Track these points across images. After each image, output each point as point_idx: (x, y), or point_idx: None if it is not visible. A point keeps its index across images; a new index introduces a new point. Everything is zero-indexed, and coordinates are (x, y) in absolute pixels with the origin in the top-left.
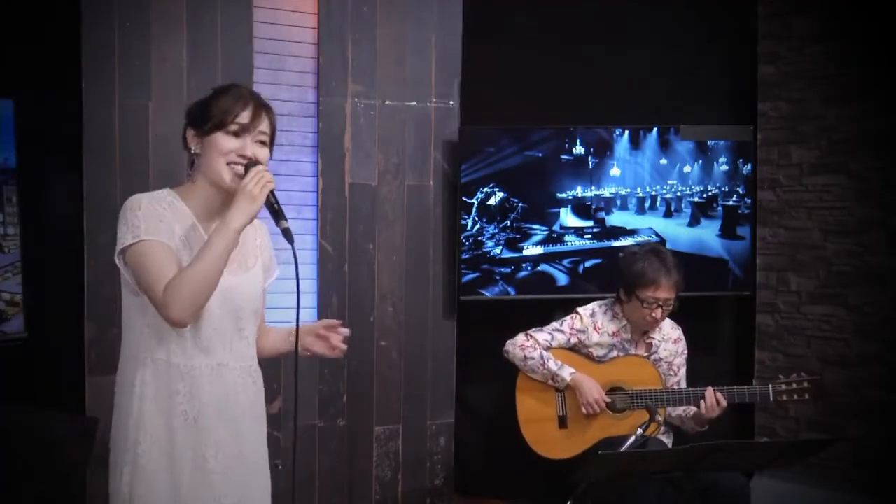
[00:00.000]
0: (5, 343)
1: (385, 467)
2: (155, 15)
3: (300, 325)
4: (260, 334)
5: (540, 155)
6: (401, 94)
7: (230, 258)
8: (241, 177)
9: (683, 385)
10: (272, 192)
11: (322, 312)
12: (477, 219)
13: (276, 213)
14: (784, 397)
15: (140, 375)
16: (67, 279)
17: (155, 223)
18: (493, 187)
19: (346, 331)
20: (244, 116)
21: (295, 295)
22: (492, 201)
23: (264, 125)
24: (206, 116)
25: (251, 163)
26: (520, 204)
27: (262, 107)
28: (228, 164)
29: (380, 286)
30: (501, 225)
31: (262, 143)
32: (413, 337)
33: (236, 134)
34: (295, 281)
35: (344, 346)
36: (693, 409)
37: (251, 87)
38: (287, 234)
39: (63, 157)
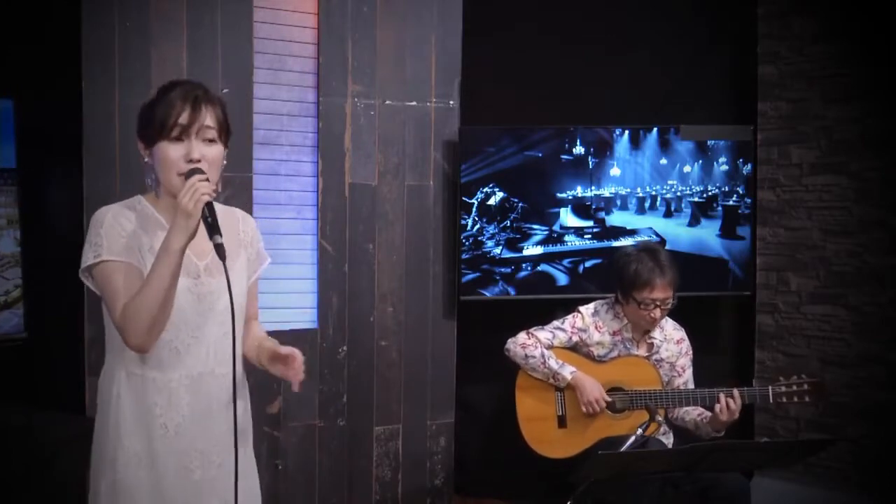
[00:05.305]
0: (5, 343)
1: (385, 467)
2: (155, 15)
3: (268, 340)
4: (245, 332)
5: (540, 155)
6: (401, 94)
7: (210, 261)
8: None
9: (691, 387)
10: (208, 204)
11: (322, 312)
12: (477, 219)
13: (210, 228)
14: (784, 399)
15: (116, 388)
16: (67, 279)
17: (116, 240)
18: (493, 187)
19: (299, 355)
20: (184, 117)
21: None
22: (492, 201)
23: (208, 119)
24: (149, 124)
25: (190, 172)
26: (520, 204)
27: (200, 101)
28: (179, 174)
29: (380, 286)
30: (501, 225)
31: (210, 140)
32: (413, 337)
33: (179, 138)
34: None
35: (301, 376)
36: (708, 413)
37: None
38: (219, 250)
39: (63, 157)
